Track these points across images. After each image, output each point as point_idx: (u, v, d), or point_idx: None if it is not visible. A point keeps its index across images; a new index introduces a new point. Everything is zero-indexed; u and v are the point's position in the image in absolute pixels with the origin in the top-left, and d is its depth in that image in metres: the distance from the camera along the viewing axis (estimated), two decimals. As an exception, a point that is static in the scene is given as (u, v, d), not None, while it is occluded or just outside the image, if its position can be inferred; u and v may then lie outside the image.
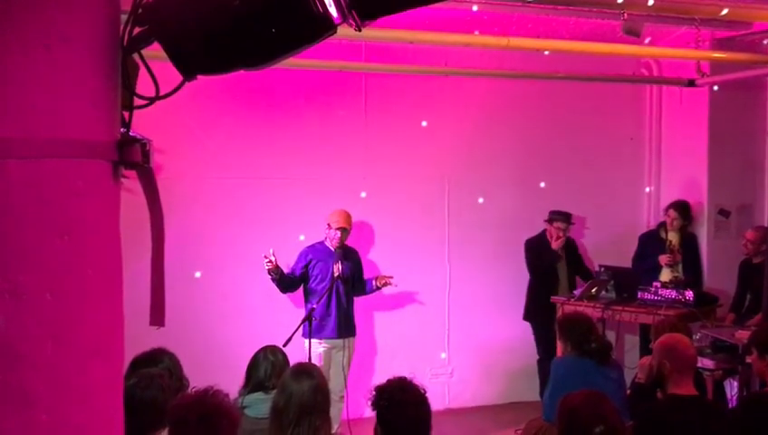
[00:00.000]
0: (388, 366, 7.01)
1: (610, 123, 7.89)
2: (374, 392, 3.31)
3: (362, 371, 6.82)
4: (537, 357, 7.27)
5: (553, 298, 7.13)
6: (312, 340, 6.02)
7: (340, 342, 6.30)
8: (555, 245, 7.26)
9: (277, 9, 1.54)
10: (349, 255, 6.43)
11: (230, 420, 2.89)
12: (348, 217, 6.34)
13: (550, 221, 7.31)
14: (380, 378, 7.25)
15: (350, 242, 6.49)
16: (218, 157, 6.63)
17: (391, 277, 6.44)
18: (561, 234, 7.25)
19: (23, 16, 1.48)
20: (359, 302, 6.59)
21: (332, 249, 6.31)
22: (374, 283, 6.47)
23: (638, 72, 7.79)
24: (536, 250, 7.35)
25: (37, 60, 1.50)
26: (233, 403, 3.39)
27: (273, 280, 6.21)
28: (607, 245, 7.68)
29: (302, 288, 6.44)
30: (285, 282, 6.28)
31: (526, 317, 7.38)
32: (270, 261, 6.09)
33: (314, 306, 6.01)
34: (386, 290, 6.93)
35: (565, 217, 7.29)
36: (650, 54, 7.28)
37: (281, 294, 6.44)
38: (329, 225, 6.32)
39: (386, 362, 7.12)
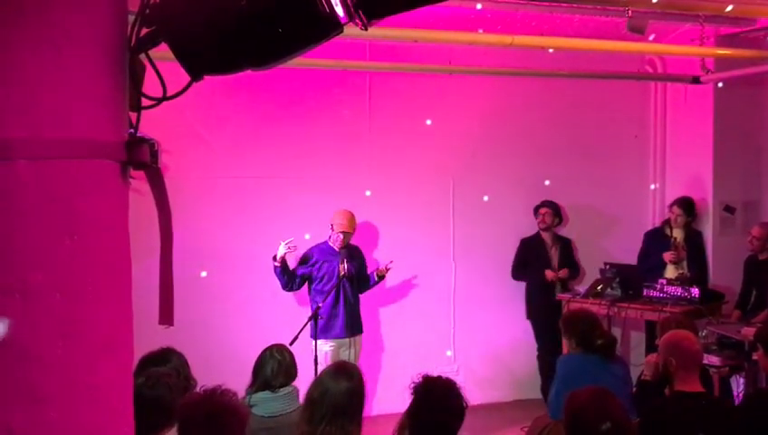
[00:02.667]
0: (394, 364, 7.03)
1: (615, 121, 7.88)
2: (421, 379, 3.31)
3: (368, 369, 6.81)
4: (536, 353, 7.33)
5: (560, 295, 7.15)
6: (320, 340, 6.03)
7: (347, 340, 6.31)
8: (545, 235, 7.40)
9: (284, 9, 1.55)
10: (353, 254, 6.43)
11: (238, 419, 2.90)
12: (351, 219, 6.32)
13: (535, 211, 7.42)
14: (386, 376, 7.28)
15: (354, 240, 6.49)
16: (224, 156, 6.64)
17: (389, 263, 6.45)
18: (546, 219, 7.33)
19: (31, 15, 1.49)
20: (364, 300, 6.59)
21: (337, 250, 6.30)
22: (375, 277, 6.49)
23: (643, 69, 7.79)
24: (527, 249, 7.42)
25: (45, 59, 1.51)
26: (241, 402, 3.39)
27: (276, 269, 6.16)
28: (612, 242, 7.68)
29: (306, 288, 6.43)
30: (289, 275, 6.24)
31: (528, 315, 7.42)
32: (293, 246, 6.09)
33: (320, 305, 6.00)
34: (390, 284, 6.94)
35: (548, 204, 7.39)
36: (655, 51, 7.28)
37: (287, 293, 6.45)
38: (332, 226, 6.32)
39: (392, 360, 7.14)
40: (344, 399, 3.42)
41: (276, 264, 6.14)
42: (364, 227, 6.92)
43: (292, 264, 6.34)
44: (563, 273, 7.32)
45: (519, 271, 7.47)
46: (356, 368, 3.95)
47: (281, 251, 6.08)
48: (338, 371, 3.60)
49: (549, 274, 7.25)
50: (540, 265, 7.32)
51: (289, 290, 6.41)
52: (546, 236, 7.44)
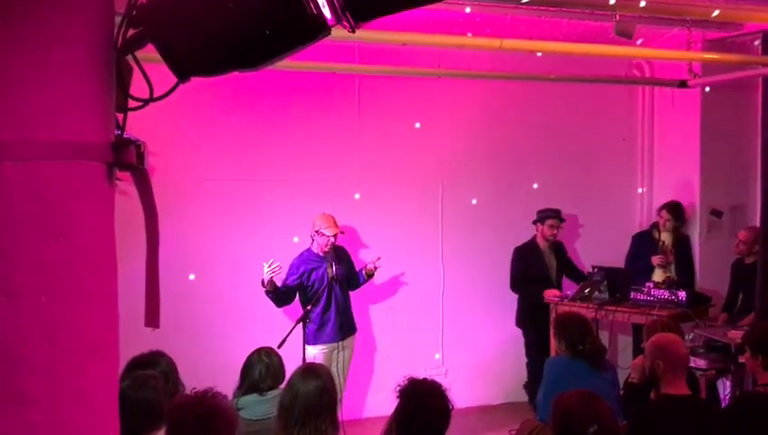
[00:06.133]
0: (383, 368, 7.04)
1: (603, 124, 7.90)
2: (407, 382, 3.33)
3: (357, 372, 6.81)
4: (526, 360, 7.32)
5: (547, 299, 7.10)
6: (312, 346, 6.01)
7: (338, 343, 6.26)
8: (543, 243, 7.28)
9: (271, 11, 1.55)
10: (340, 255, 6.39)
11: (228, 422, 2.89)
12: (335, 220, 6.29)
13: (541, 220, 7.27)
14: (375, 379, 7.25)
15: (343, 243, 6.47)
16: (211, 159, 6.61)
17: (377, 260, 6.37)
18: (554, 231, 7.22)
19: (20, 18, 1.49)
20: (353, 305, 6.56)
21: (322, 254, 6.26)
22: (364, 275, 6.45)
23: (631, 73, 7.82)
24: (525, 259, 7.29)
25: (33, 60, 1.50)
26: (231, 405, 3.39)
27: (267, 293, 6.05)
28: (599, 245, 7.69)
29: (298, 297, 6.30)
30: (281, 295, 6.13)
31: (518, 324, 7.37)
32: (276, 266, 5.95)
33: (308, 308, 5.94)
34: (378, 287, 6.92)
35: (556, 214, 7.28)
36: (642, 56, 7.30)
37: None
38: (319, 232, 6.16)
39: (380, 362, 7.13)
40: (315, 398, 3.45)
41: (266, 288, 6.01)
42: (353, 231, 6.92)
43: (280, 283, 6.18)
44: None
45: (520, 285, 7.28)
46: (323, 367, 3.96)
47: (266, 275, 5.95)
48: (305, 372, 3.64)
49: (548, 296, 7.07)
50: (540, 275, 7.20)
51: (283, 306, 6.32)
52: (543, 243, 7.32)
